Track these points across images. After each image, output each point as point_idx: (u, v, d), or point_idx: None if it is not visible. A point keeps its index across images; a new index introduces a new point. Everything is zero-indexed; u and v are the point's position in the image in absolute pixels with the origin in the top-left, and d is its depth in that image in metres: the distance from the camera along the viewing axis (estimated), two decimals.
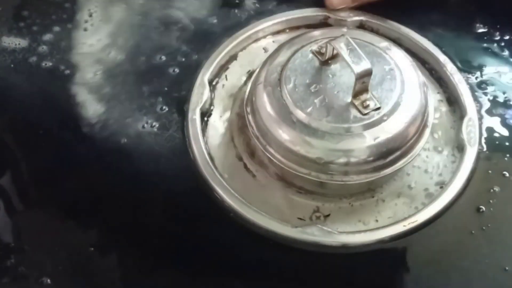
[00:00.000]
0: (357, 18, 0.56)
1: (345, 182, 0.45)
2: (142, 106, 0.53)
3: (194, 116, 0.51)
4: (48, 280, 0.44)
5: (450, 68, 0.53)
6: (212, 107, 0.52)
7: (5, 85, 0.54)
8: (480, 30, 0.58)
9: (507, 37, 0.57)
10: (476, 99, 0.52)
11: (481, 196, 0.48)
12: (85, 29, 0.58)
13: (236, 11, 0.59)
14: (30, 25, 0.57)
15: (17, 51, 0.56)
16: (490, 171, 0.49)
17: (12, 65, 0.55)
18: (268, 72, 0.48)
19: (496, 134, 0.51)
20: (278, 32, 0.57)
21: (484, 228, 0.46)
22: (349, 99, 0.45)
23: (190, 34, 0.57)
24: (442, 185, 0.48)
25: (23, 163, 0.51)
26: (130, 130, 0.52)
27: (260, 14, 0.58)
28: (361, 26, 0.56)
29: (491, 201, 0.47)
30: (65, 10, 0.59)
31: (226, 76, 0.54)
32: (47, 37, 0.56)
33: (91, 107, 0.53)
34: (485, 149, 0.50)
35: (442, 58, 0.54)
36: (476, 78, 0.54)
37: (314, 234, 0.45)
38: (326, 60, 0.47)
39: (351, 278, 0.45)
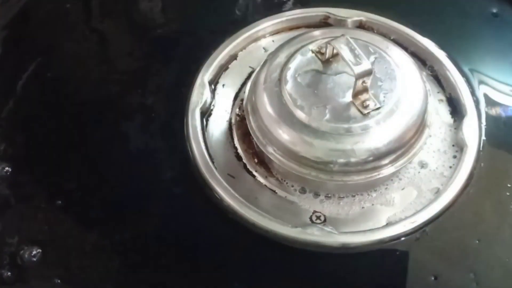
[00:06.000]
0: (357, 18, 0.56)
1: (345, 182, 0.46)
2: (142, 106, 0.53)
3: (194, 116, 0.51)
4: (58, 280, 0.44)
5: (450, 68, 0.53)
6: (212, 107, 0.52)
7: None
8: (481, 30, 0.58)
9: (507, 37, 0.57)
10: (476, 98, 0.52)
11: (481, 195, 0.47)
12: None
13: (236, 10, 0.59)
14: None
15: None
16: (490, 171, 0.49)
17: None
18: (268, 72, 0.48)
19: (496, 134, 0.51)
20: (278, 32, 0.57)
21: (484, 228, 0.46)
22: (349, 99, 0.45)
23: (190, 34, 0.57)
24: (442, 185, 0.48)
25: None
26: (130, 130, 0.52)
27: (260, 13, 0.58)
28: (361, 26, 0.56)
29: (491, 200, 0.47)
30: None
31: (226, 76, 0.54)
32: None
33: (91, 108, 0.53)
34: (485, 148, 0.50)
35: (442, 58, 0.54)
36: (476, 77, 0.54)
37: (314, 234, 0.45)
38: (326, 60, 0.47)
39: (351, 278, 0.45)
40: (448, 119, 0.52)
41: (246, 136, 0.50)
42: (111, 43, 0.58)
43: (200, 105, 0.51)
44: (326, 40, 0.47)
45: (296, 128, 0.45)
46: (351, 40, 0.45)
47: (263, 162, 0.49)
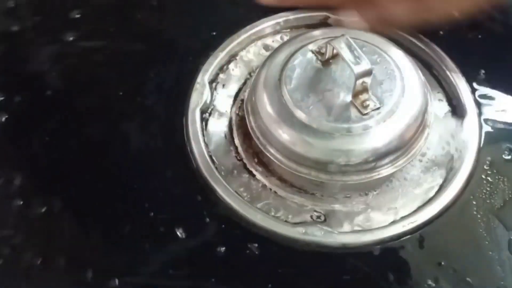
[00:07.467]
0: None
1: (345, 182, 0.46)
2: (142, 106, 0.53)
3: (194, 116, 0.51)
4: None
5: (450, 68, 0.53)
6: (212, 107, 0.52)
7: None
8: (480, 30, 0.58)
9: (506, 36, 0.57)
10: (476, 98, 0.52)
11: (481, 196, 0.47)
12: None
13: (236, 10, 0.59)
14: None
15: None
16: (490, 171, 0.49)
17: None
18: (268, 72, 0.48)
19: (496, 134, 0.51)
20: (278, 32, 0.57)
21: (484, 228, 0.46)
22: (349, 99, 0.45)
23: (190, 34, 0.57)
24: (442, 185, 0.48)
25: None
26: (130, 130, 0.52)
27: (260, 13, 0.58)
28: None
29: (491, 201, 0.47)
30: None
31: (226, 76, 0.55)
32: None
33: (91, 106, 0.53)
34: (484, 149, 0.50)
35: (442, 57, 0.54)
36: (476, 77, 0.54)
37: (314, 234, 0.45)
38: (326, 60, 0.47)
39: (351, 278, 0.45)
40: (448, 119, 0.52)
41: (246, 136, 0.50)
42: (111, 43, 0.57)
43: (200, 105, 0.51)
44: (326, 40, 0.47)
45: (296, 128, 0.45)
46: (351, 40, 0.45)
47: (263, 162, 0.50)
